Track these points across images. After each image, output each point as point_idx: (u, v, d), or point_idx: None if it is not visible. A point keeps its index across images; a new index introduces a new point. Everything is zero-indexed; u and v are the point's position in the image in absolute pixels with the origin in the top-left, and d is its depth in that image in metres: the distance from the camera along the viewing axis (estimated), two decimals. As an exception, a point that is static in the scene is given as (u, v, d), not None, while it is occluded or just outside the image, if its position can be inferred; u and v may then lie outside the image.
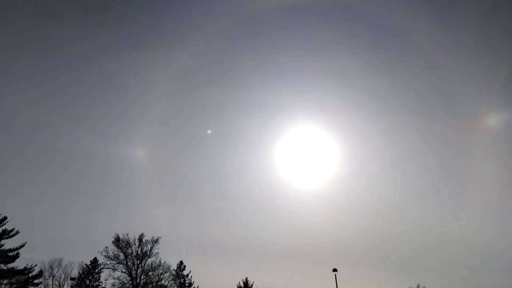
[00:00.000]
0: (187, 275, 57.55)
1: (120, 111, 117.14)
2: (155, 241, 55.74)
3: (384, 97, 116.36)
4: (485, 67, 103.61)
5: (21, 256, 44.00)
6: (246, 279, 56.56)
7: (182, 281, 57.17)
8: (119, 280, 52.72)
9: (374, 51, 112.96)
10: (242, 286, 56.29)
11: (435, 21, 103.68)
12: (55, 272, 54.61)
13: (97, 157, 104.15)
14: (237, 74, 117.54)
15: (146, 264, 54.98)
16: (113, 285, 52.14)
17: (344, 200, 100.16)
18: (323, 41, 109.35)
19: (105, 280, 53.27)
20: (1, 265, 42.49)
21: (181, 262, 58.42)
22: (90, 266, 55.07)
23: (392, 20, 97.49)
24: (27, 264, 44.39)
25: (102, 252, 52.94)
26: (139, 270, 54.26)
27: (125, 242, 54.27)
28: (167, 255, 58.50)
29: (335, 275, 48.78)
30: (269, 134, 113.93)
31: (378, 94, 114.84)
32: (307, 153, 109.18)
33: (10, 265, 42.91)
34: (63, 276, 54.89)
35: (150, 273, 54.89)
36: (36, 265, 45.43)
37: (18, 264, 43.43)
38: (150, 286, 54.20)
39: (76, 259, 55.09)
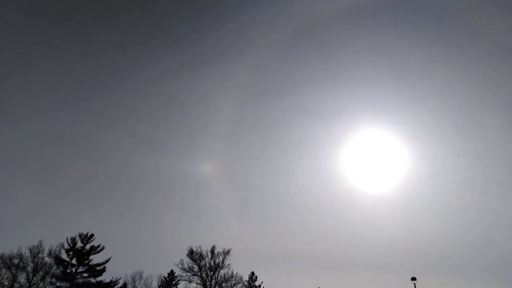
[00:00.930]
0: (259, 285, 57.57)
1: (185, 129, 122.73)
2: (227, 253, 56.93)
3: (456, 91, 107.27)
4: None
5: (107, 270, 47.51)
6: (319, 289, 54.94)
7: (254, 291, 57.30)
8: (195, 291, 54.56)
9: (440, 44, 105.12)
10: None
11: (504, 8, 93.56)
12: (137, 284, 58.02)
13: (166, 174, 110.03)
14: (295, 84, 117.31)
15: (219, 275, 56.33)
16: (190, 296, 54.17)
17: (417, 204, 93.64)
18: (382, 38, 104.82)
19: (182, 291, 55.48)
20: (91, 278, 46.18)
21: (253, 273, 58.70)
22: (167, 278, 57.59)
23: (459, 9, 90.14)
24: (112, 277, 47.82)
25: (178, 264, 55.50)
26: (213, 281, 55.58)
27: (199, 255, 56.17)
28: (238, 266, 59.31)
29: (414, 284, 45.43)
30: (334, 140, 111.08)
31: (449, 88, 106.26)
32: (374, 157, 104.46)
33: (98, 279, 46.50)
34: (144, 287, 58.08)
35: (224, 284, 55.98)
36: (120, 278, 48.80)
37: (105, 277, 47.00)
38: (225, 297, 55.23)
39: (154, 272, 58.09)
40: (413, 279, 46.57)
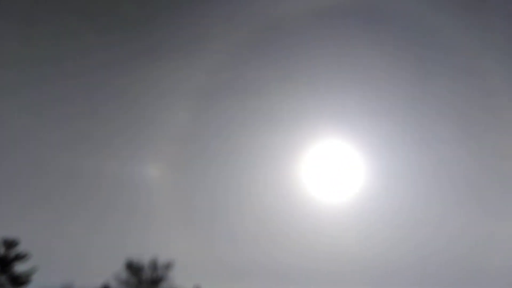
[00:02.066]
0: (203, 300, 55.39)
1: (132, 128, 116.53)
2: (169, 265, 54.24)
3: (415, 104, 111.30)
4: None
5: (33, 280, 43.87)
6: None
7: (197, 307, 55.04)
8: (132, 307, 51.52)
9: (404, 55, 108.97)
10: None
11: (470, 23, 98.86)
12: (66, 298, 53.93)
13: (109, 176, 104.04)
14: (257, 87, 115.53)
15: (160, 289, 53.56)
16: (125, 311, 50.95)
17: (372, 216, 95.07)
18: (350, 47, 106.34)
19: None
20: (13, 290, 42.34)
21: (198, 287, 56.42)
22: (102, 292, 54.06)
23: (422, 24, 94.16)
24: (38, 289, 44.04)
25: (113, 277, 52.12)
26: (153, 296, 52.81)
27: (138, 266, 53.17)
28: (183, 279, 56.63)
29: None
30: (293, 147, 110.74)
31: (409, 104, 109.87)
32: (332, 167, 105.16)
33: (22, 290, 42.70)
34: (74, 302, 54.07)
35: (164, 299, 53.31)
36: (47, 290, 44.99)
37: (30, 289, 43.19)
38: (164, 312, 52.51)
39: (86, 284, 54.36)
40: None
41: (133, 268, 52.66)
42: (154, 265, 53.80)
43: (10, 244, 42.93)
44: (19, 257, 43.29)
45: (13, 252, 43.13)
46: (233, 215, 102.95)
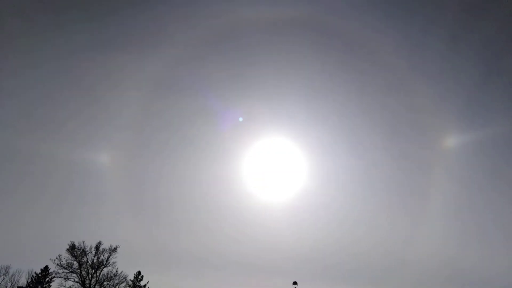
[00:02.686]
0: (145, 286, 55.92)
1: (87, 115, 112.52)
2: (113, 250, 53.94)
3: (353, 114, 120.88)
4: (447, 91, 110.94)
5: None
6: (205, 291, 55.84)
7: (138, 292, 55.47)
8: (71, 290, 50.47)
9: (346, 69, 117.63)
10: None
11: (404, 44, 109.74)
12: (0, 281, 51.21)
13: (61, 161, 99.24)
14: (208, 84, 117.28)
15: (101, 273, 53.02)
16: (65, 295, 49.82)
17: (310, 215, 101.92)
18: (298, 56, 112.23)
19: (56, 290, 50.73)
20: None
21: (139, 272, 56.73)
22: (40, 275, 52.12)
23: (364, 40, 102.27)
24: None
25: (54, 260, 50.53)
26: (93, 280, 52.09)
27: (81, 250, 52.06)
28: (126, 265, 56.57)
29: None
30: (239, 145, 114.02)
31: (347, 111, 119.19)
32: (275, 165, 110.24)
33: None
34: (9, 285, 51.47)
35: (105, 283, 52.90)
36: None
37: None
38: (105, 296, 52.23)
39: (25, 267, 51.98)
40: (295, 283, 50.72)
41: (75, 252, 51.52)
42: (97, 250, 53.13)
43: None
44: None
45: None
46: (177, 205, 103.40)
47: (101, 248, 53.39)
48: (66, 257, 51.07)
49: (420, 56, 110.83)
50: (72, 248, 51.66)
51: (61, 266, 50.33)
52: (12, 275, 51.79)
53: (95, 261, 52.77)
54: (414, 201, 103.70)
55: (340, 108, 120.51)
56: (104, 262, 53.26)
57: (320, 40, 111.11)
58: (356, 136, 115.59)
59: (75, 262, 51.23)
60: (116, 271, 53.85)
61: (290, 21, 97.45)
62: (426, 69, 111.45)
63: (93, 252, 52.89)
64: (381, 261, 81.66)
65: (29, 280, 51.58)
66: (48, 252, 52.27)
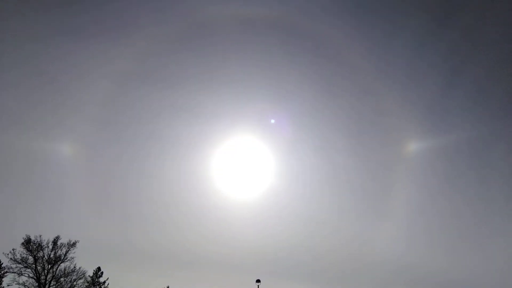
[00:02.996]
0: (104, 282, 54.54)
1: (52, 104, 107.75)
2: (72, 245, 52.15)
3: (321, 115, 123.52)
4: (412, 97, 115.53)
5: None
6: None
7: (97, 288, 54.07)
8: (25, 285, 48.16)
9: (315, 70, 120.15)
10: (162, 295, 54.90)
11: (372, 49, 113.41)
12: None
13: (19, 151, 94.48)
14: (180, 80, 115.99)
15: (58, 269, 51.19)
16: (18, 291, 47.64)
17: (276, 213, 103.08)
18: (268, 55, 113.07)
19: (8, 285, 48.30)
20: None
21: (99, 268, 55.20)
22: (-9, 270, 49.58)
23: (334, 43, 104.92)
24: None
25: (8, 254, 48.23)
26: (50, 276, 50.19)
27: (37, 245, 49.97)
28: (85, 261, 54.90)
29: (258, 285, 49.96)
30: (209, 142, 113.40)
31: (315, 112, 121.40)
32: (244, 164, 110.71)
33: None
34: (-44, 279, 48.68)
35: (62, 279, 51.06)
36: None
37: None
38: (61, 293, 50.45)
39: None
40: (258, 281, 51.25)
41: (30, 246, 49.44)
42: (54, 244, 51.27)
43: None
44: None
45: None
46: (142, 201, 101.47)
47: (59, 243, 51.48)
48: (20, 251, 48.92)
49: (387, 61, 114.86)
50: (27, 242, 49.43)
51: (15, 260, 48.06)
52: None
53: (52, 256, 50.81)
54: (376, 203, 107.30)
55: (309, 108, 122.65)
56: (62, 257, 51.41)
57: (291, 41, 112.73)
58: (324, 137, 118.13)
59: (30, 257, 49.14)
60: (74, 267, 52.12)
61: (262, 20, 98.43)
62: (392, 74, 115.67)
63: (50, 247, 50.97)
64: (344, 261, 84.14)
65: (-22, 275, 48.99)
66: (1, 246, 49.80)
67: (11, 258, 48.12)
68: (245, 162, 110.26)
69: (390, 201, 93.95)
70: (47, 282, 49.77)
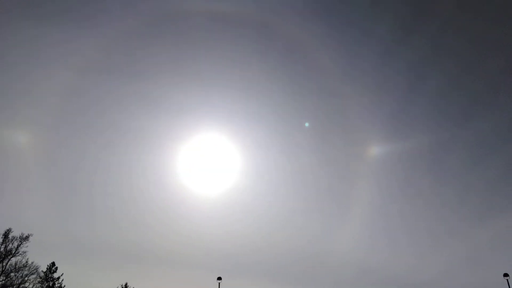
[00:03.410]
0: (58, 278, 52.33)
1: (12, 92, 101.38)
2: (25, 238, 49.53)
3: (289, 116, 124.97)
4: (375, 104, 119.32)
5: None
6: (126, 284, 54.03)
7: (50, 284, 51.69)
8: (-30, 280, 45.53)
9: (284, 71, 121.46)
10: (121, 292, 53.55)
11: (341, 53, 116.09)
12: None
13: None
14: (145, 70, 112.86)
15: (9, 264, 48.50)
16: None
17: (240, 211, 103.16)
18: (238, 53, 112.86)
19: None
20: None
21: (53, 264, 52.89)
22: None
23: (303, 45, 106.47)
24: None
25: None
26: (-1, 270, 47.53)
27: (-15, 238, 47.15)
28: (40, 256, 52.44)
29: (219, 283, 50.02)
30: (175, 136, 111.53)
31: (283, 112, 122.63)
32: (209, 160, 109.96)
33: None
34: None
35: (13, 274, 48.46)
36: None
37: None
38: (10, 289, 47.82)
39: None
40: (219, 278, 51.21)
41: (-22, 239, 46.49)
42: (5, 238, 48.52)
43: None
44: None
45: None
46: (101, 195, 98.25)
47: (10, 236, 48.82)
48: (-34, 244, 46.01)
49: (354, 65, 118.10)
50: (-26, 235, 46.61)
51: (-41, 254, 45.23)
52: None
53: (2, 249, 48.07)
54: (339, 203, 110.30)
55: (277, 109, 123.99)
56: (13, 251, 48.76)
57: (261, 40, 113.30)
58: (291, 138, 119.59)
59: (-23, 251, 46.35)
60: (27, 262, 49.56)
61: (233, 17, 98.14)
62: (359, 78, 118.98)
63: (0, 240, 48.24)
64: (306, 260, 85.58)
65: None
66: None
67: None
68: (211, 159, 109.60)
69: (353, 202, 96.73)
70: (-5, 277, 47.08)
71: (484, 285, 62.99)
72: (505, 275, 46.09)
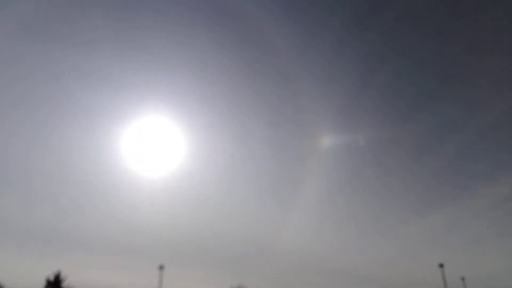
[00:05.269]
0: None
1: None
2: None
3: (240, 102, 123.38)
4: (328, 93, 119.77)
5: None
6: (58, 272, 50.21)
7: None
8: None
9: (238, 56, 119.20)
10: (53, 281, 49.66)
11: (294, 44, 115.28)
12: None
13: None
14: (86, 39, 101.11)
15: None
16: None
17: (183, 195, 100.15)
18: (191, 31, 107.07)
19: None
20: None
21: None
22: None
23: (258, 33, 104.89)
24: None
25: None
26: None
27: None
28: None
29: (161, 272, 48.39)
30: (119, 116, 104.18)
31: (235, 98, 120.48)
32: (154, 141, 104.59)
33: None
34: None
35: None
36: None
37: None
38: None
39: None
40: (161, 267, 49.35)
41: None
42: None
43: None
44: None
45: None
46: (34, 175, 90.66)
47: None
48: None
49: (307, 56, 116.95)
50: None
51: None
52: None
53: None
54: (286, 193, 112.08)
55: (228, 94, 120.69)
56: None
57: (216, 21, 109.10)
58: (241, 125, 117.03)
59: None
60: None
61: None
62: (311, 69, 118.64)
63: None
64: (252, 250, 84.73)
65: None
66: None
67: None
68: (155, 140, 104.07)
69: (302, 192, 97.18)
70: None
71: (422, 274, 66.65)
72: (441, 265, 48.17)
